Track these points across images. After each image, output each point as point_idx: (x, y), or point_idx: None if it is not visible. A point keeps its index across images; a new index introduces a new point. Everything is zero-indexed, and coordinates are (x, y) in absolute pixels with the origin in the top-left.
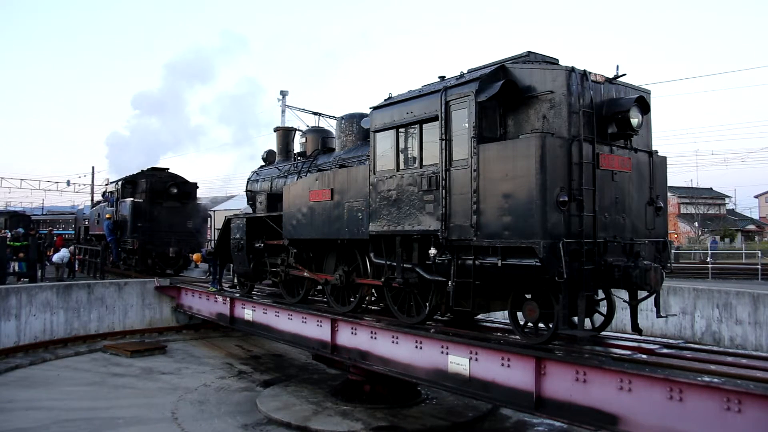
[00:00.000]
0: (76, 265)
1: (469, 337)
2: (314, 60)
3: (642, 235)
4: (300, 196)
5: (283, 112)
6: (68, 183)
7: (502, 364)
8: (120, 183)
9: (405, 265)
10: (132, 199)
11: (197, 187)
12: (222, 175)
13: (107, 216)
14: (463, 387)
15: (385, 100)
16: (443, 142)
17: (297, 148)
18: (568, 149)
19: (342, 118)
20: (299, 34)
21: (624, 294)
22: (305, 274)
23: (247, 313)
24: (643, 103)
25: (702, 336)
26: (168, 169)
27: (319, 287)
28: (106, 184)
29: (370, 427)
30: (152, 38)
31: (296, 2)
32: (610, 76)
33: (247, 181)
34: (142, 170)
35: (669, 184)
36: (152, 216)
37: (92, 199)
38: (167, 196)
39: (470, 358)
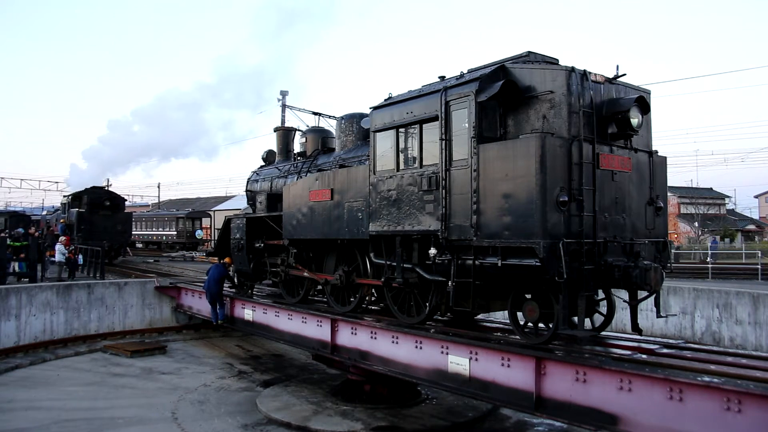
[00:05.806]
0: (80, 259)
1: (469, 337)
2: (311, 60)
3: (642, 235)
4: (300, 196)
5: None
6: (68, 183)
7: (502, 364)
8: (69, 197)
9: (405, 265)
10: (77, 209)
11: (125, 200)
12: None
13: (61, 220)
14: (463, 387)
15: (385, 100)
16: (443, 142)
17: (297, 148)
18: (568, 149)
19: (342, 118)
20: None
21: (624, 294)
22: (305, 274)
23: (247, 313)
24: (643, 103)
25: (702, 336)
26: (105, 186)
27: (319, 287)
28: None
29: (370, 427)
30: (154, 40)
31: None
32: (610, 76)
33: (247, 181)
34: (86, 188)
35: (669, 184)
36: (91, 221)
37: None
38: (102, 207)
39: (470, 358)
